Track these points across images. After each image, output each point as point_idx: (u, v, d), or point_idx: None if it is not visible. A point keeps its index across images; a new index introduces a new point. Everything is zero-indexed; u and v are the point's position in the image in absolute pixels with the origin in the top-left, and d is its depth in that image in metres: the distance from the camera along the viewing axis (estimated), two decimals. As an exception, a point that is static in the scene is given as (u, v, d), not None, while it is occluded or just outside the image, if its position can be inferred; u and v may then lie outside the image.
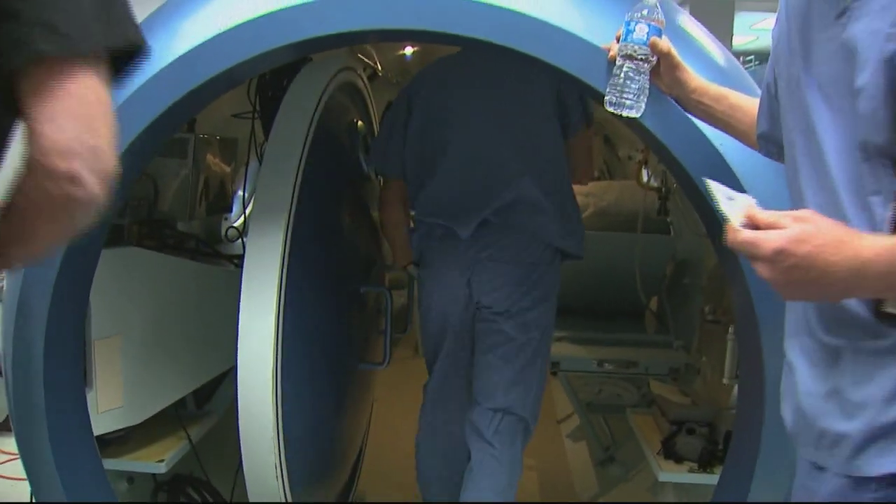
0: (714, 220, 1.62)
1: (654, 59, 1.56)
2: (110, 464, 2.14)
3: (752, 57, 12.02)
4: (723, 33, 9.09)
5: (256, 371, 1.93)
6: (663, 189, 3.38)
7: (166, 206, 2.50)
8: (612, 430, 3.54)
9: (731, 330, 2.40)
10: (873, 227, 1.01)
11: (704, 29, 1.95)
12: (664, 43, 1.54)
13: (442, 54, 2.59)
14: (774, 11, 1.25)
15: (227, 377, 2.64)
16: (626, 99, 1.58)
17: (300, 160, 2.05)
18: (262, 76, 2.54)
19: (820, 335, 1.14)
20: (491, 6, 1.67)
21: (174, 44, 1.71)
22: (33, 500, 1.98)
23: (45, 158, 0.85)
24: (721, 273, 2.48)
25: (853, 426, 1.09)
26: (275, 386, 1.94)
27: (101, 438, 2.06)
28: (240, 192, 3.08)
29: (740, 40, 12.71)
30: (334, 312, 2.45)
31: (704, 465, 2.32)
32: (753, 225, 1.01)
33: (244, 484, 2.05)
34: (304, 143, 2.08)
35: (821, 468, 1.15)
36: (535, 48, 1.68)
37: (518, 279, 2.42)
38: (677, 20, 1.85)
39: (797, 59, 1.14)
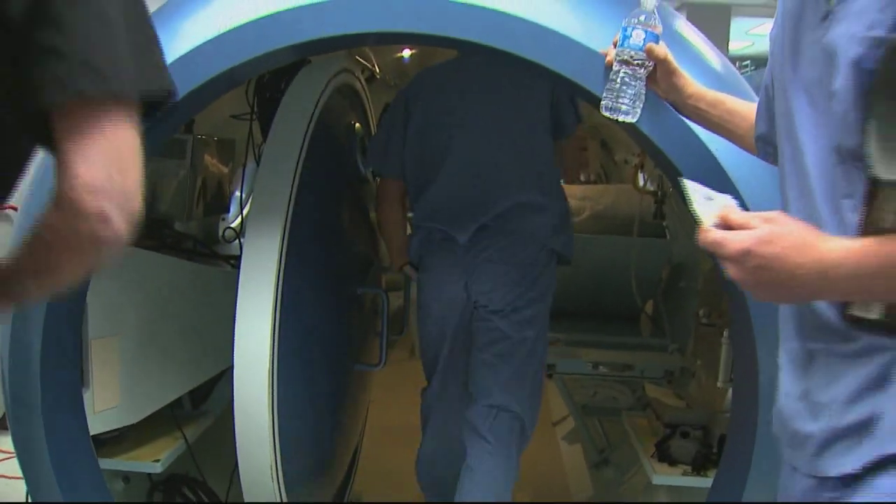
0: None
1: (651, 64, 1.57)
2: (106, 463, 2.13)
3: (748, 62, 12.05)
4: (719, 39, 9.12)
5: (253, 372, 1.93)
6: (659, 193, 3.39)
7: (164, 207, 2.51)
8: (607, 433, 3.54)
9: (725, 334, 2.41)
10: (845, 230, 1.01)
11: (701, 34, 1.96)
12: (660, 49, 1.55)
13: (440, 57, 2.60)
14: (771, 17, 1.25)
15: (223, 377, 2.65)
16: (623, 104, 1.59)
17: (298, 162, 2.06)
18: (260, 77, 2.54)
19: (802, 339, 1.15)
20: (489, 10, 1.68)
21: (174, 44, 1.71)
22: (29, 500, 1.98)
23: (76, 195, 0.86)
24: (716, 277, 2.49)
25: (817, 426, 1.10)
26: (271, 387, 1.94)
27: (96, 438, 2.05)
28: (237, 193, 3.09)
29: (737, 45, 12.74)
30: (331, 314, 2.45)
31: (698, 468, 2.33)
32: (726, 225, 1.02)
33: (240, 484, 2.06)
34: (302, 145, 2.08)
35: (795, 468, 1.16)
36: (532, 52, 1.69)
37: (515, 279, 2.44)
38: (674, 25, 1.86)
39: (787, 62, 1.15)
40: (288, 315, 1.99)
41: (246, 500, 2.07)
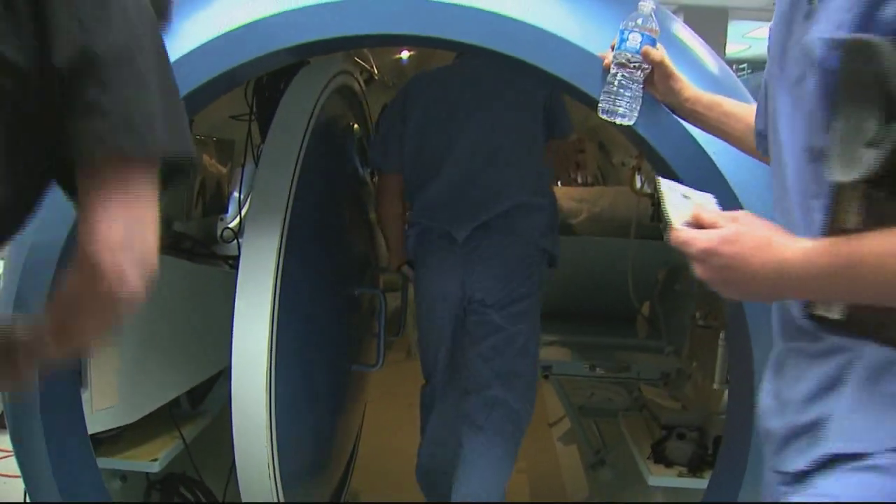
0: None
1: (648, 67, 1.58)
2: (103, 462, 2.13)
3: (745, 65, 12.07)
4: (716, 42, 9.15)
5: (250, 371, 1.94)
6: (656, 195, 3.39)
7: (162, 207, 2.50)
8: (603, 434, 3.55)
9: (721, 335, 2.42)
10: (814, 231, 1.01)
11: (698, 37, 1.97)
12: (657, 52, 1.56)
13: (438, 58, 2.61)
14: (768, 21, 1.25)
15: (221, 377, 2.65)
16: (620, 106, 1.60)
17: (297, 162, 2.06)
18: (259, 78, 2.55)
19: (784, 340, 1.16)
20: (487, 12, 1.69)
21: (174, 44, 1.70)
22: (27, 499, 1.99)
23: (95, 250, 0.87)
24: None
25: (780, 423, 1.12)
26: (268, 386, 1.95)
27: (94, 437, 2.05)
28: (236, 194, 3.09)
29: (734, 49, 12.76)
30: (329, 314, 2.46)
31: (694, 469, 2.34)
32: (698, 224, 1.03)
33: (237, 483, 2.06)
34: (301, 146, 2.09)
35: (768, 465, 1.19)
36: (530, 55, 1.70)
37: (509, 274, 2.47)
38: (671, 28, 1.87)
39: (776, 60, 1.15)
40: (286, 315, 1.99)
41: (243, 500, 2.08)
